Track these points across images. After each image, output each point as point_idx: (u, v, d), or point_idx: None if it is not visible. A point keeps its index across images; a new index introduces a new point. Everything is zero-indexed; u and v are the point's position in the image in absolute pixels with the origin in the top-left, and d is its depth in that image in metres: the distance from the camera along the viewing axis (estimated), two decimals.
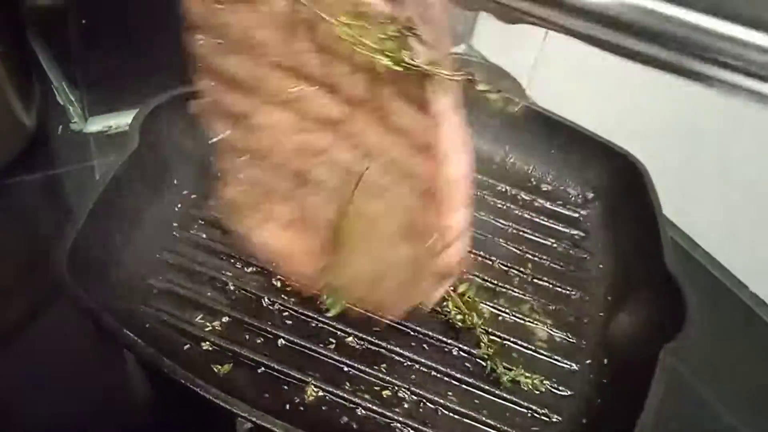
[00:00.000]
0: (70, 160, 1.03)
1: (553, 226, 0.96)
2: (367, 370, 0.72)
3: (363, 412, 0.69)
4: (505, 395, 0.73)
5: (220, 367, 0.69)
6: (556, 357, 0.79)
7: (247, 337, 0.73)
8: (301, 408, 0.68)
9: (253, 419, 0.56)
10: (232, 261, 0.80)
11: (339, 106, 0.61)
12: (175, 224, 0.83)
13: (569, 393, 0.75)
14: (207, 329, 0.72)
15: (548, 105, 1.11)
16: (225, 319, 0.74)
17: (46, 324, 0.79)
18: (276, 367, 0.70)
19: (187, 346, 0.70)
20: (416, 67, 0.54)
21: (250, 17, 0.60)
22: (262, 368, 0.70)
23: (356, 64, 0.58)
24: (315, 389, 0.69)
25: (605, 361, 0.78)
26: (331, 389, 0.69)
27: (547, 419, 0.72)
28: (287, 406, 0.67)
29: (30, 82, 1.02)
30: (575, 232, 0.97)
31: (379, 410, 0.69)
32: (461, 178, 0.60)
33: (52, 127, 1.06)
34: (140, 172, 0.78)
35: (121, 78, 1.04)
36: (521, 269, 0.88)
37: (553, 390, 0.75)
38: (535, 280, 0.88)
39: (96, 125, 1.07)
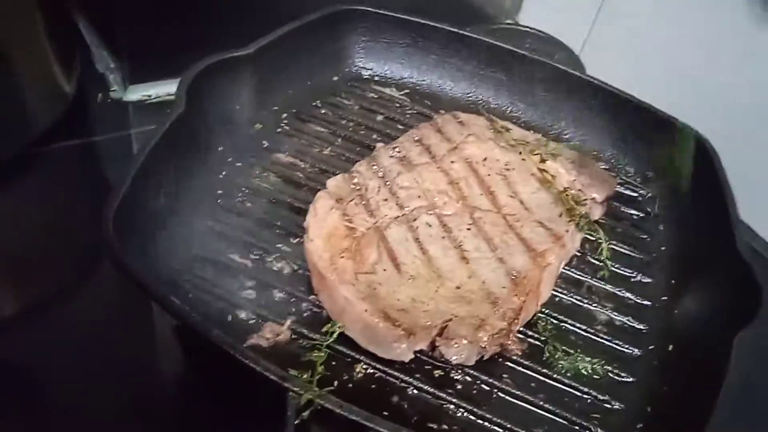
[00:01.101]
0: (109, 128, 1.01)
1: (610, 205, 0.91)
2: None
3: (414, 391, 0.65)
4: (563, 380, 0.69)
5: (264, 339, 0.66)
6: (617, 341, 0.74)
7: (293, 309, 0.70)
8: (350, 385, 0.65)
9: (307, 394, 0.52)
10: (277, 231, 0.77)
11: (487, 203, 0.80)
12: (219, 191, 0.80)
13: (632, 379, 0.71)
14: (251, 300, 0.69)
15: (604, 80, 1.06)
16: (271, 291, 0.71)
17: (85, 291, 0.78)
18: (321, 341, 0.66)
19: (230, 316, 0.67)
20: (573, 211, 0.81)
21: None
22: (308, 342, 0.67)
23: (517, 195, 0.81)
24: (365, 366, 0.66)
25: (670, 347, 0.74)
26: (381, 367, 0.66)
27: (609, 406, 0.68)
28: (335, 383, 0.64)
29: (72, 50, 1.00)
30: (634, 212, 0.92)
31: (431, 390, 0.65)
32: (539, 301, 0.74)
33: (92, 95, 1.04)
34: (186, 136, 0.75)
35: (162, 47, 1.01)
36: (578, 249, 0.83)
37: (614, 376, 0.71)
38: (593, 261, 0.83)
39: (135, 94, 1.04)
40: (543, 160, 0.86)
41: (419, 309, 0.67)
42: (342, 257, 0.69)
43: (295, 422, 0.52)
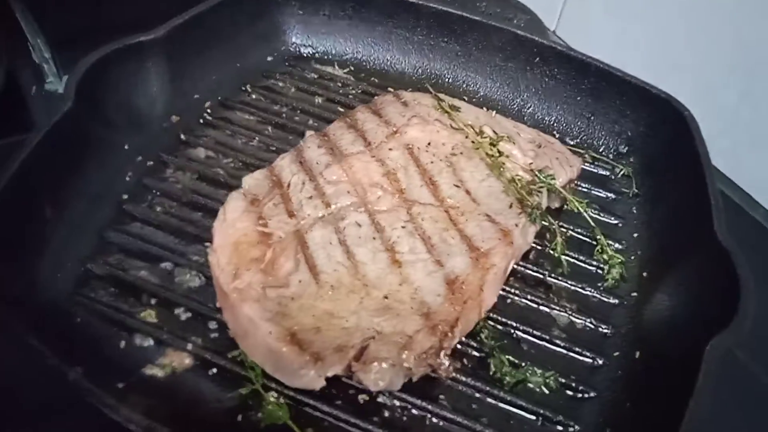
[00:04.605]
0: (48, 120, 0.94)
1: (577, 187, 0.80)
2: None
3: (333, 421, 0.57)
4: (509, 398, 0.60)
5: (160, 368, 0.58)
6: (576, 349, 0.65)
7: (199, 331, 0.61)
8: (259, 416, 0.56)
9: None
10: (189, 239, 0.68)
11: (428, 195, 0.70)
12: (124, 196, 0.71)
13: (591, 394, 0.62)
14: (151, 323, 0.61)
15: (580, 45, 0.94)
16: (175, 309, 0.62)
17: None
18: (227, 367, 0.58)
19: (123, 343, 0.59)
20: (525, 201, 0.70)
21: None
22: (214, 369, 0.59)
23: (462, 184, 0.72)
24: (275, 395, 0.58)
25: (637, 354, 0.64)
26: (293, 395, 0.57)
27: (561, 428, 0.59)
28: (239, 417, 0.56)
29: None
30: (605, 193, 0.81)
31: (352, 420, 0.57)
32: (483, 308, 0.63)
33: (28, 89, 0.96)
34: (77, 136, 0.67)
35: (96, 34, 0.93)
36: (536, 240, 0.73)
37: (570, 391, 0.62)
38: (554, 254, 0.73)
39: None
40: (493, 143, 0.76)
41: (337, 326, 0.58)
42: (249, 269, 0.60)
43: None
